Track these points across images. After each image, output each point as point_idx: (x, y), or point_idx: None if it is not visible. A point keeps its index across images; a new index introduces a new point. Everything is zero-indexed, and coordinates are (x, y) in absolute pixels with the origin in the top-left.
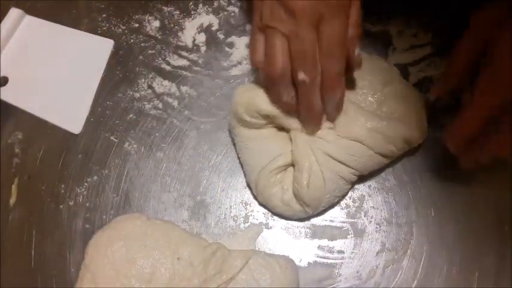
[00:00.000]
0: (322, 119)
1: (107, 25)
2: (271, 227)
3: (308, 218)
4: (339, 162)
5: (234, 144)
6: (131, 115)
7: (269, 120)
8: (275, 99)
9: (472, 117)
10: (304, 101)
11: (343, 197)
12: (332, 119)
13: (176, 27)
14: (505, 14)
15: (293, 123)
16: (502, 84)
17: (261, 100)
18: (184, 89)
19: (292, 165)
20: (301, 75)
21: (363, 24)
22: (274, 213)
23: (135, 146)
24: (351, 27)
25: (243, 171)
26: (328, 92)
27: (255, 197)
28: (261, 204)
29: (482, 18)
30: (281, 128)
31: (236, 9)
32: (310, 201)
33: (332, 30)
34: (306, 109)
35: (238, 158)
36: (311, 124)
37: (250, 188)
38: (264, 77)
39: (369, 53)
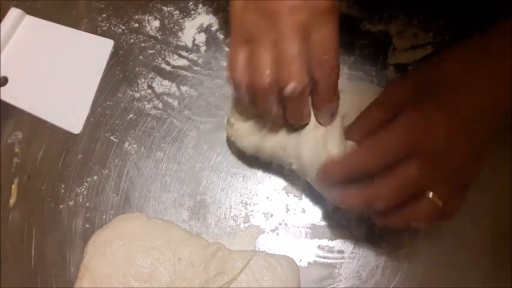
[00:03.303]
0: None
1: (107, 25)
2: (271, 227)
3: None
4: None
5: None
6: (131, 115)
7: None
8: (263, 112)
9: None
10: (293, 112)
11: None
12: (325, 124)
13: (176, 27)
14: (419, 90)
15: None
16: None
17: None
18: (184, 89)
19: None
20: (289, 88)
21: (363, 24)
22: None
23: (135, 146)
24: None
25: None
26: (324, 103)
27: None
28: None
29: (396, 88)
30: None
31: None
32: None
33: (324, 37)
34: (294, 119)
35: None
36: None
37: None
38: (250, 91)
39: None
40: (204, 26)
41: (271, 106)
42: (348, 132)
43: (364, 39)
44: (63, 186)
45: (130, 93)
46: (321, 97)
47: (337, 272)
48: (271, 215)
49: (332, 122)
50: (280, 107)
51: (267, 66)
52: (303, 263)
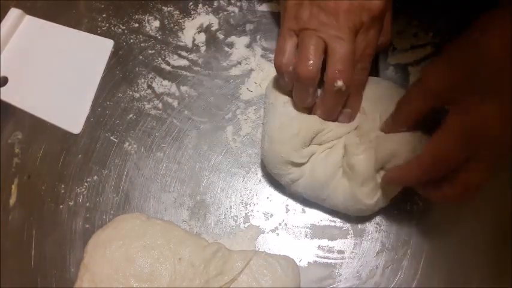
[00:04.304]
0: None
1: (107, 25)
2: (271, 227)
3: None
4: None
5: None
6: (131, 115)
7: None
8: (298, 99)
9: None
10: (327, 106)
11: None
12: (341, 121)
13: (176, 27)
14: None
15: None
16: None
17: None
18: (184, 89)
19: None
20: (339, 83)
21: None
22: None
23: (135, 146)
24: (382, 36)
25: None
26: (352, 98)
27: None
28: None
29: (433, 75)
30: None
31: (236, 9)
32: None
33: (369, 41)
34: (325, 113)
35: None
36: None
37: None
38: (294, 77)
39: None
40: (204, 26)
41: (308, 95)
42: (391, 123)
43: None
44: (63, 186)
45: (130, 93)
46: (352, 93)
47: (337, 272)
48: (271, 215)
49: (350, 121)
50: (314, 99)
51: (316, 57)
52: (303, 263)
